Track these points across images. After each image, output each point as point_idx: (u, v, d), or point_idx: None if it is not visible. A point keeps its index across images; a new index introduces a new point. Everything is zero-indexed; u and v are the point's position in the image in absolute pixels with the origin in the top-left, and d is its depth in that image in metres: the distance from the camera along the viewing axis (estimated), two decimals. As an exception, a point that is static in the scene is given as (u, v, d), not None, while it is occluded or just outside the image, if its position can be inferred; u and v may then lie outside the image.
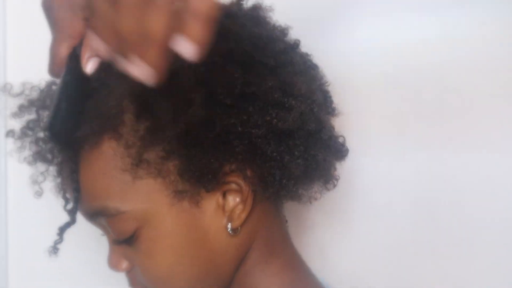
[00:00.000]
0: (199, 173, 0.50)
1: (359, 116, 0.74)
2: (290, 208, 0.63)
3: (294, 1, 0.73)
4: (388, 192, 0.76)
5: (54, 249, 0.59)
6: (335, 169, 0.60)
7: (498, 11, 0.71)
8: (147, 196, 0.51)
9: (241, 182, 0.52)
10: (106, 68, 0.48)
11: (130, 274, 0.58)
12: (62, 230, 0.57)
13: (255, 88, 0.50)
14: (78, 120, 0.50)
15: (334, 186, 0.59)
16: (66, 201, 0.57)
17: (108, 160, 0.51)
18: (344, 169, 0.62)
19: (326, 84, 0.60)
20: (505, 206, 0.72)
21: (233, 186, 0.52)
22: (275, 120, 0.50)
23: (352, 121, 0.69)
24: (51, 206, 0.89)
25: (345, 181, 0.62)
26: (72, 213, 0.54)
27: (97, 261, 0.88)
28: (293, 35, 0.59)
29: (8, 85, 0.56)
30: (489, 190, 0.72)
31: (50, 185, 0.86)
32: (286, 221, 0.61)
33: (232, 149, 0.50)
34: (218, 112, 0.49)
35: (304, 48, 0.59)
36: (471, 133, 0.73)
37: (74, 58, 0.48)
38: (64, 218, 0.89)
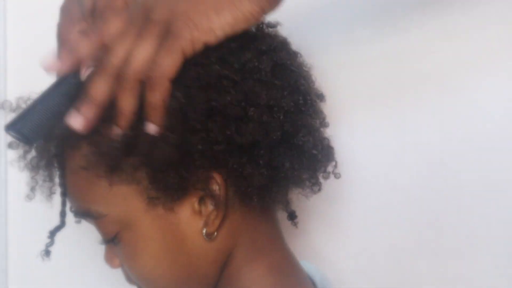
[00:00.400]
0: (165, 183, 0.51)
1: (357, 116, 0.74)
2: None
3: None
4: (387, 193, 0.76)
5: (46, 252, 0.62)
6: (324, 171, 0.59)
7: (499, 10, 0.71)
8: (123, 202, 0.53)
9: (212, 189, 0.52)
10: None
11: (124, 270, 0.60)
12: (52, 233, 0.60)
13: (215, 104, 0.49)
14: (51, 125, 0.52)
15: (319, 189, 0.59)
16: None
17: (86, 165, 0.52)
18: (342, 169, 0.61)
19: (312, 84, 0.58)
20: (505, 206, 0.72)
21: (207, 192, 0.52)
22: (235, 134, 0.50)
23: (351, 121, 0.69)
24: (51, 208, 0.89)
25: (343, 181, 0.62)
26: (61, 216, 0.57)
27: (97, 262, 0.88)
28: (288, 33, 0.58)
29: (6, 102, 0.58)
30: (489, 190, 0.72)
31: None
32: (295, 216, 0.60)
33: (193, 162, 0.50)
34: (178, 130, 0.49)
35: (298, 46, 0.58)
36: (473, 133, 0.72)
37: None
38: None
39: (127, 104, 0.49)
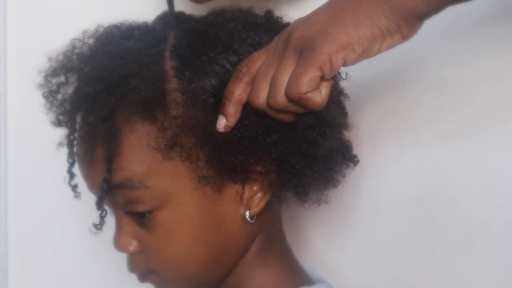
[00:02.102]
0: (230, 166, 0.52)
1: (357, 117, 0.74)
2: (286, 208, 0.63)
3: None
4: (387, 192, 0.76)
5: (101, 223, 0.55)
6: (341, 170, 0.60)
7: (498, 11, 0.71)
8: (172, 177, 0.53)
9: (264, 172, 0.54)
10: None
11: (135, 256, 0.57)
12: (99, 203, 0.54)
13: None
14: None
15: (336, 185, 0.60)
16: (71, 176, 0.57)
17: (140, 137, 0.52)
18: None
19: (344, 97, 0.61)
20: (504, 206, 0.71)
21: (255, 176, 0.54)
22: (311, 147, 0.53)
23: (351, 121, 0.69)
24: (51, 208, 0.90)
25: (343, 181, 0.62)
26: (105, 182, 0.52)
27: (96, 262, 0.88)
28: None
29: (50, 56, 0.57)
30: (488, 190, 0.72)
31: (49, 188, 0.87)
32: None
33: (267, 154, 0.53)
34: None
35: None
36: (471, 132, 0.72)
37: None
38: (62, 218, 0.90)
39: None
